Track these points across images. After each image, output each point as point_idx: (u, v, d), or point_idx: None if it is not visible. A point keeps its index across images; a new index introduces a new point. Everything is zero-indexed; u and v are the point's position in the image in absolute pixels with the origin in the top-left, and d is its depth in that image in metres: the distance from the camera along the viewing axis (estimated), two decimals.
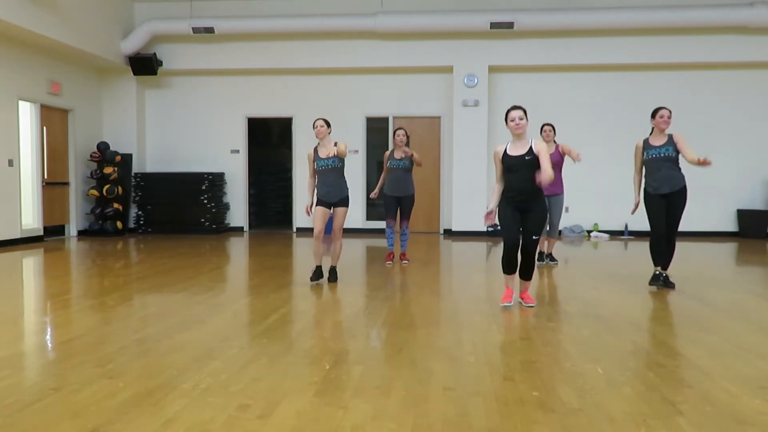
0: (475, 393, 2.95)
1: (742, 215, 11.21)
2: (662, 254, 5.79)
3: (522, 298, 5.07)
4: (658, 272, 5.87)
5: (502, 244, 4.98)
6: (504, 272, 5.02)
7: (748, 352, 3.65)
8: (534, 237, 4.86)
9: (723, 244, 10.09)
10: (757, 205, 11.29)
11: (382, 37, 11.28)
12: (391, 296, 5.50)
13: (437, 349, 3.74)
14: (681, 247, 9.42)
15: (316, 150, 6.08)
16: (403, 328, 4.24)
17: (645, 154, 5.70)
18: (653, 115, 5.72)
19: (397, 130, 7.37)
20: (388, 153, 7.46)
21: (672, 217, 5.66)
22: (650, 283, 5.88)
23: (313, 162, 6.07)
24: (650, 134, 5.79)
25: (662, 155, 5.62)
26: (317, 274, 6.14)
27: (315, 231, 6.04)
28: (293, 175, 12.23)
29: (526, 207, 4.82)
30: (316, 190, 6.16)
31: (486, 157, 11.23)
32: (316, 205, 6.06)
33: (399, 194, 7.37)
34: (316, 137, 6.03)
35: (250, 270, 7.31)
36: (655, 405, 2.79)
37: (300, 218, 11.99)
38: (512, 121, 4.82)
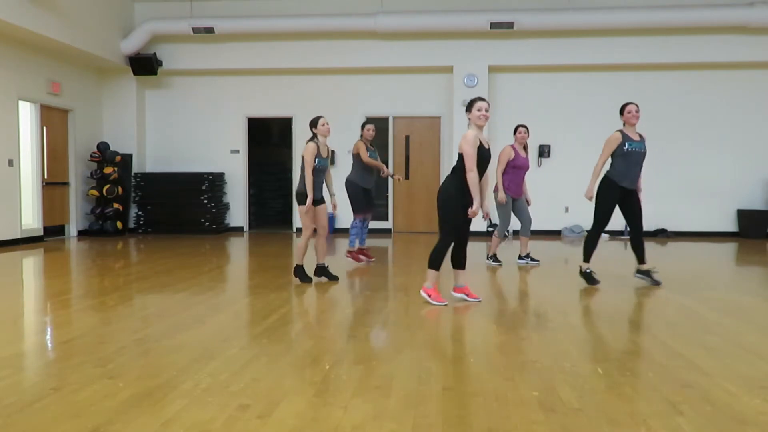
0: (475, 393, 2.95)
1: (742, 215, 11.20)
2: (593, 251, 5.99)
3: (465, 294, 5.16)
4: (589, 270, 5.96)
5: (441, 241, 4.93)
6: (435, 268, 4.99)
7: (748, 352, 3.65)
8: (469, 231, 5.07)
9: (723, 244, 10.08)
10: (757, 205, 11.29)
11: (381, 37, 11.28)
12: (391, 296, 5.51)
13: (437, 349, 3.74)
14: (681, 247, 9.42)
15: (318, 149, 6.01)
16: (403, 328, 4.24)
17: (627, 146, 5.69)
18: (621, 111, 5.78)
19: (368, 123, 7.49)
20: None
21: (638, 211, 5.82)
22: (590, 283, 5.92)
23: (315, 160, 6.02)
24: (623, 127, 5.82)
25: (642, 151, 5.75)
26: (321, 271, 6.27)
27: (320, 229, 6.17)
28: (293, 175, 12.22)
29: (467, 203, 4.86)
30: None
31: None
32: (312, 204, 6.07)
33: (371, 186, 7.54)
34: (322, 135, 6.06)
35: (250, 270, 7.31)
36: (655, 405, 2.79)
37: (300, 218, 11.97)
38: (479, 110, 4.74)
